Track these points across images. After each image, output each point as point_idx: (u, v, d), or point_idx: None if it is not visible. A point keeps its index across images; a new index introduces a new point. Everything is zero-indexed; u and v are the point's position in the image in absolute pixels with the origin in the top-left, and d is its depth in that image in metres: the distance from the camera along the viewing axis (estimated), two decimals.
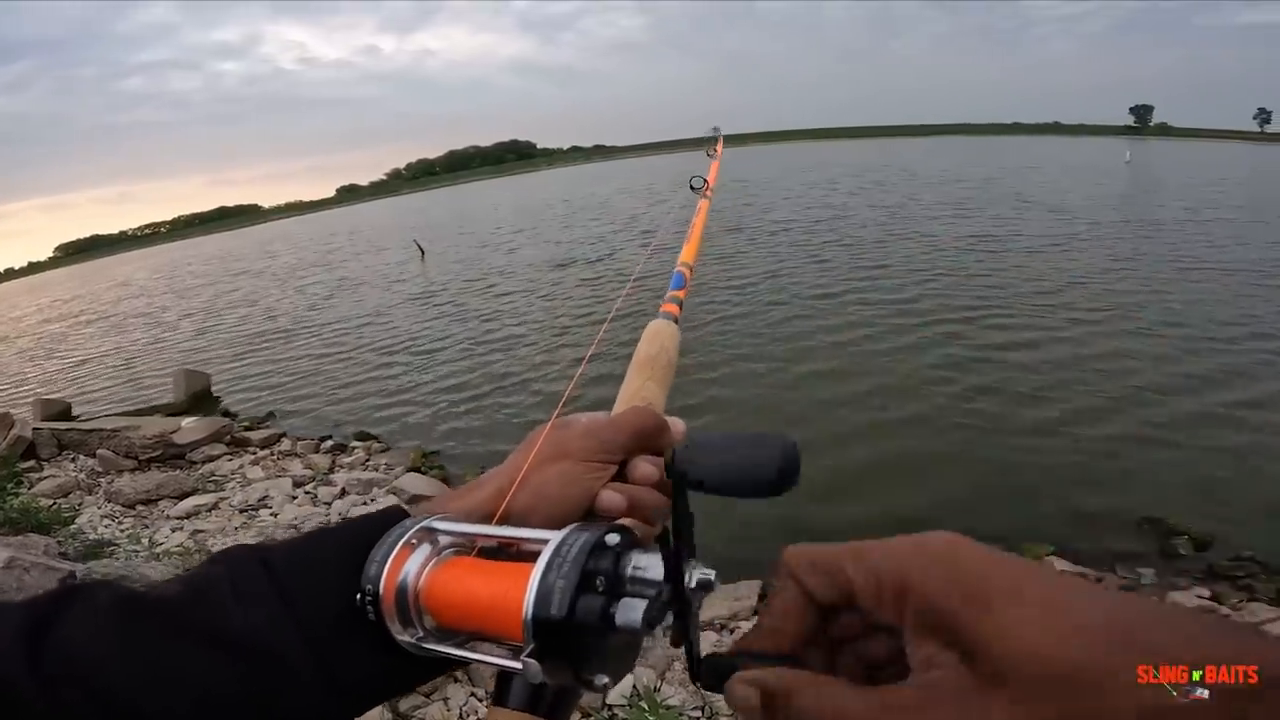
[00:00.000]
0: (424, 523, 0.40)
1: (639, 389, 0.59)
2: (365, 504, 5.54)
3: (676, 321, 0.70)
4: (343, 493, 5.78)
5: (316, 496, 5.77)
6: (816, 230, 16.58)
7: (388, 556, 0.38)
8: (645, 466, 0.49)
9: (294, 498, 5.78)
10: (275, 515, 5.43)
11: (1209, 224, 14.98)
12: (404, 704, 2.74)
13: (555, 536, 0.34)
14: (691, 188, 1.33)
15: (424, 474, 6.04)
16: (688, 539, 0.35)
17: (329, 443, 7.08)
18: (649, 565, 0.33)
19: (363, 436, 7.26)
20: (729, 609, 3.58)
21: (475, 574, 0.37)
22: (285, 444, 7.20)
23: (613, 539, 0.33)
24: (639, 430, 0.49)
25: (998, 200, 20.10)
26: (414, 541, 0.39)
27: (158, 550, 4.95)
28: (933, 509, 4.79)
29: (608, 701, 2.71)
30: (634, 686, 2.79)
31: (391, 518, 0.42)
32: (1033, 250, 12.64)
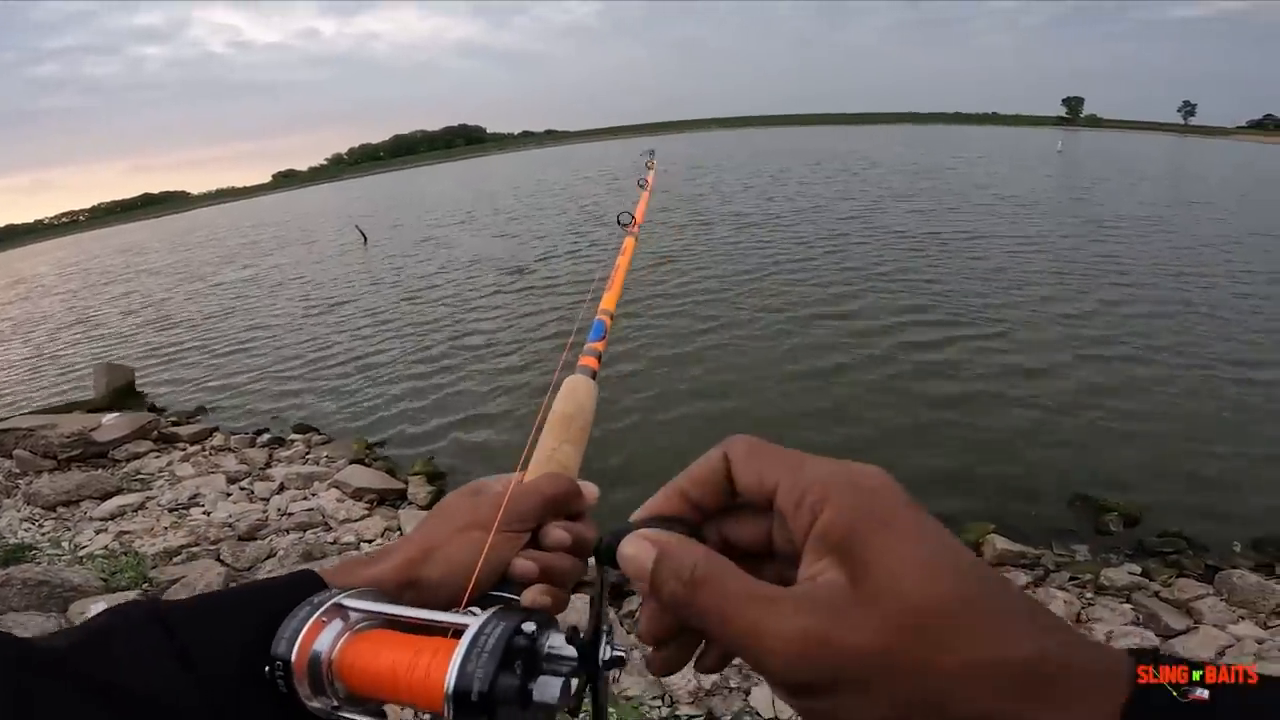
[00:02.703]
0: (334, 600, 0.39)
1: (553, 452, 0.57)
2: (306, 498, 5.34)
3: (595, 376, 0.67)
4: (281, 488, 5.57)
5: (253, 493, 5.54)
6: (772, 225, 16.76)
7: (298, 633, 0.37)
8: (557, 532, 0.50)
9: (228, 494, 5.53)
10: (208, 514, 5.18)
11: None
12: None
13: (474, 623, 0.35)
14: (619, 223, 1.20)
15: (367, 466, 5.87)
16: (603, 616, 0.37)
17: (265, 436, 6.81)
18: (563, 645, 0.36)
19: (302, 429, 7.01)
20: None
21: (392, 648, 0.38)
22: (218, 439, 6.89)
23: (529, 627, 0.35)
24: (552, 499, 0.51)
25: (957, 192, 20.72)
26: (324, 619, 0.39)
27: (81, 554, 4.71)
28: None
29: None
30: None
31: (299, 584, 0.41)
32: (976, 238, 13.17)
